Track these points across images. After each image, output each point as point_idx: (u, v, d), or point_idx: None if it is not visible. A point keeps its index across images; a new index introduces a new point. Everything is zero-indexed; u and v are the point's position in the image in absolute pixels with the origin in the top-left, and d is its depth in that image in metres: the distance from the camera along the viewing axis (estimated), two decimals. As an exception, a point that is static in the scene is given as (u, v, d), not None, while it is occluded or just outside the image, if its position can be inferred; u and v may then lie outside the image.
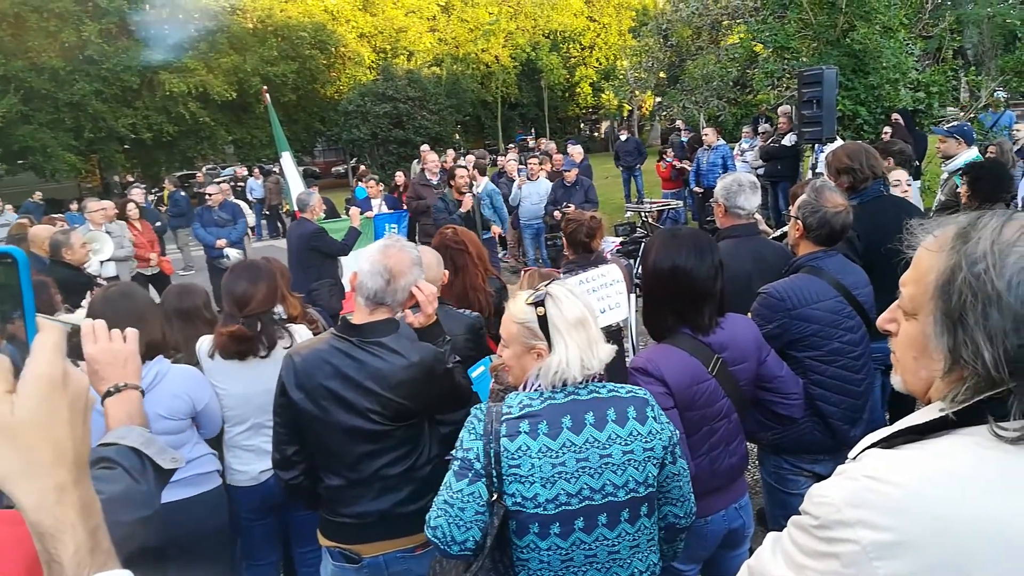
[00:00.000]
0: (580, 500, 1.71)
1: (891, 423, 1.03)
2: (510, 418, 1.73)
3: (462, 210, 6.85)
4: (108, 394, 1.30)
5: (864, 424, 2.89)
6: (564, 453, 1.70)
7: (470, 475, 1.71)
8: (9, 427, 0.68)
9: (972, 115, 9.85)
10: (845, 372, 2.76)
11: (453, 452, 1.79)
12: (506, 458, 1.69)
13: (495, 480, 1.69)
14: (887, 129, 8.72)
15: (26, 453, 0.68)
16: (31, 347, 0.71)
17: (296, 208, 9.35)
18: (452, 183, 7.26)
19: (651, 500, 1.81)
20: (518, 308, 1.83)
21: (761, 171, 10.34)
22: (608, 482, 1.72)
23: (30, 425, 0.68)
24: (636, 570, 1.79)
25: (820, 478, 2.84)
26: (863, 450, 0.99)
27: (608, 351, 1.80)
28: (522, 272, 2.72)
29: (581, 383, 1.76)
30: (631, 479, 1.75)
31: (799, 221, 2.83)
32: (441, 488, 1.76)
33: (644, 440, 1.77)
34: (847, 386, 2.77)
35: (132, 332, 1.38)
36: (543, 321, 1.77)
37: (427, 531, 1.74)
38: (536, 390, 1.77)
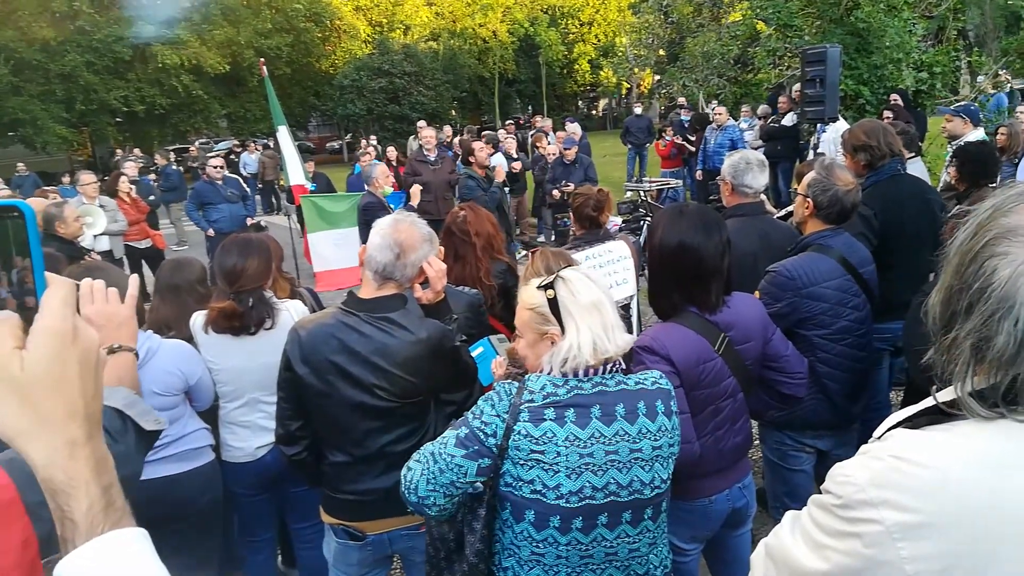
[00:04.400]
0: (606, 495, 1.64)
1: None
2: (533, 406, 1.65)
3: (499, 180, 6.61)
4: None
5: (864, 401, 2.95)
6: (592, 444, 1.63)
7: (472, 448, 1.64)
8: (19, 383, 0.67)
9: (975, 96, 9.78)
10: (851, 350, 2.79)
11: (466, 415, 1.73)
12: (529, 442, 1.62)
13: (500, 461, 1.64)
14: (887, 113, 8.67)
15: (36, 409, 0.67)
16: (40, 302, 0.70)
17: (291, 183, 9.30)
18: (472, 159, 7.05)
19: (669, 493, 1.78)
20: (528, 294, 1.77)
21: (761, 151, 10.28)
22: (636, 478, 1.67)
23: (40, 381, 0.68)
24: (652, 565, 1.77)
25: (822, 454, 2.90)
26: (888, 430, 0.97)
27: (627, 340, 1.73)
28: (530, 253, 2.66)
29: (608, 374, 1.70)
30: (657, 476, 1.70)
31: (809, 199, 2.80)
32: (436, 440, 1.71)
33: (669, 435, 1.73)
34: (852, 364, 2.80)
35: (130, 295, 1.37)
36: (554, 304, 1.70)
37: (403, 469, 1.73)
38: (561, 376, 1.69)
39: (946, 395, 0.90)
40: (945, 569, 0.83)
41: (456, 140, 13.67)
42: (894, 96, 9.11)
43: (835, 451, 2.91)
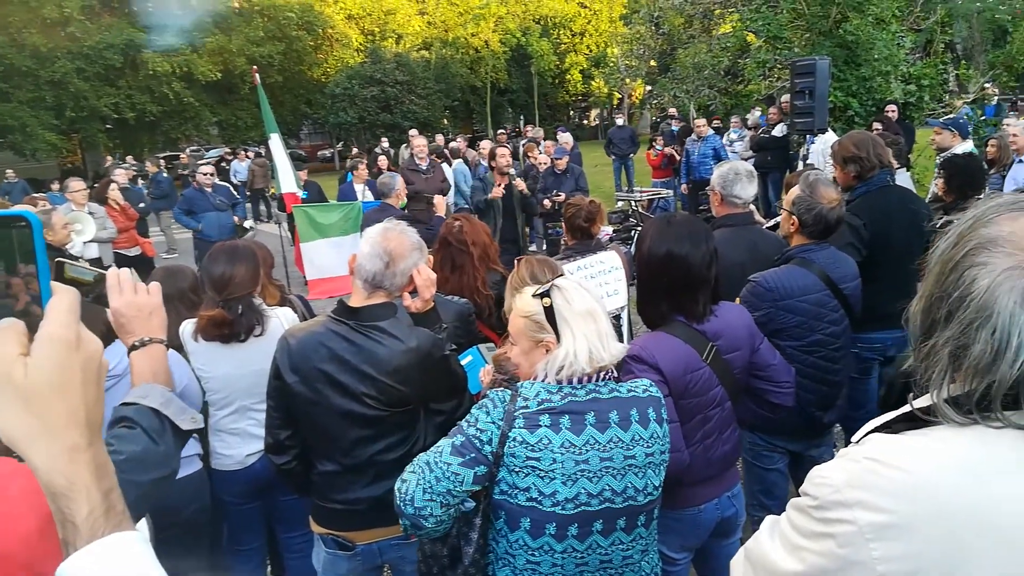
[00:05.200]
0: (600, 502, 1.65)
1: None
2: (528, 412, 1.66)
3: (495, 183, 6.65)
4: (133, 347, 1.33)
5: (837, 410, 2.99)
6: (588, 451, 1.64)
7: (469, 456, 1.64)
8: (22, 389, 0.68)
9: (963, 106, 9.90)
10: (824, 363, 2.83)
11: (460, 424, 1.73)
12: (525, 449, 1.63)
13: (496, 468, 1.65)
14: (877, 125, 8.75)
15: (39, 415, 0.69)
16: (45, 309, 0.72)
17: (282, 191, 9.27)
18: (492, 164, 7.20)
19: (659, 501, 1.80)
20: (523, 302, 1.78)
21: (751, 162, 10.36)
22: (630, 485, 1.68)
23: (43, 387, 0.69)
24: (644, 573, 1.78)
25: (794, 455, 2.93)
26: (866, 434, 0.98)
27: (620, 348, 1.74)
28: (515, 261, 2.66)
29: (601, 381, 1.71)
30: (650, 483, 1.71)
31: (794, 216, 2.84)
32: (430, 450, 1.70)
33: (661, 442, 1.75)
34: (824, 375, 2.84)
35: (156, 285, 1.39)
36: (550, 313, 1.71)
37: (397, 482, 1.71)
38: (555, 383, 1.69)
39: (922, 402, 0.92)
40: (915, 571, 0.84)
41: (449, 148, 13.72)
42: (891, 107, 9.19)
43: (808, 452, 2.96)
